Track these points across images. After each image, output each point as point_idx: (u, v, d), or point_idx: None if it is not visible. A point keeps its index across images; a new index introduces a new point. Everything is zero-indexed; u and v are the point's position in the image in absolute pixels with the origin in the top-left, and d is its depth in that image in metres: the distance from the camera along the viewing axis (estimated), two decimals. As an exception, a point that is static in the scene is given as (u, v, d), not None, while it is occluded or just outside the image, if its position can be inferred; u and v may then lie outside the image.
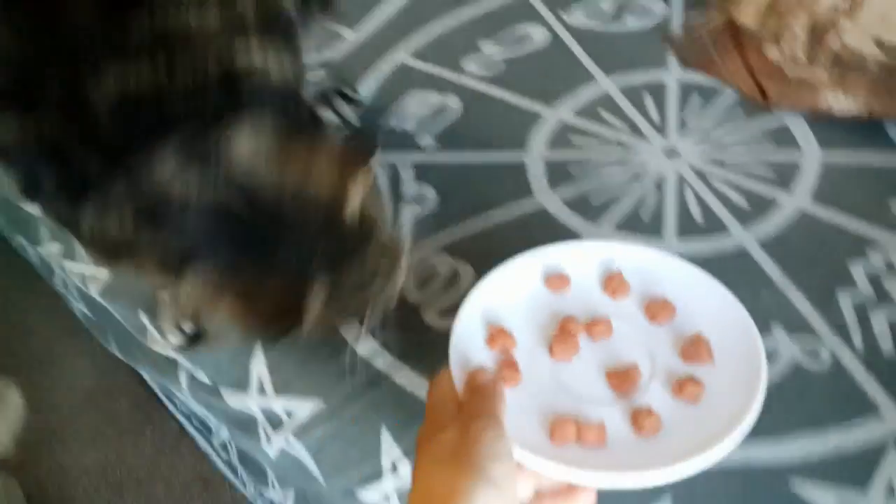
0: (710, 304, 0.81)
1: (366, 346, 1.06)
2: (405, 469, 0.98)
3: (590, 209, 1.15)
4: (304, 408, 1.05)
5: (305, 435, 1.04)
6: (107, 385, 1.82)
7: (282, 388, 1.07)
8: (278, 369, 1.08)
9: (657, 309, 0.83)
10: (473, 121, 1.28)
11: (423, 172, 1.20)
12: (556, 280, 0.87)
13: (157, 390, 1.59)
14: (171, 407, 1.59)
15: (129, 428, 1.78)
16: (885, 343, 1.02)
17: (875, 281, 1.08)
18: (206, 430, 1.41)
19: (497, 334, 0.82)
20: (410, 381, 1.05)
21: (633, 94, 1.29)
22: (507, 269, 0.86)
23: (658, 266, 0.87)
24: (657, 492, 0.90)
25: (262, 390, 1.08)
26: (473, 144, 1.24)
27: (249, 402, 1.09)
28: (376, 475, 0.99)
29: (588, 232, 1.11)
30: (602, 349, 0.81)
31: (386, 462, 0.99)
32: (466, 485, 0.61)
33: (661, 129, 1.24)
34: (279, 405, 1.06)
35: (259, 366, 1.09)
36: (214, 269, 0.71)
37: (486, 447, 0.65)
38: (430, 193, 1.19)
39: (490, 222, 1.15)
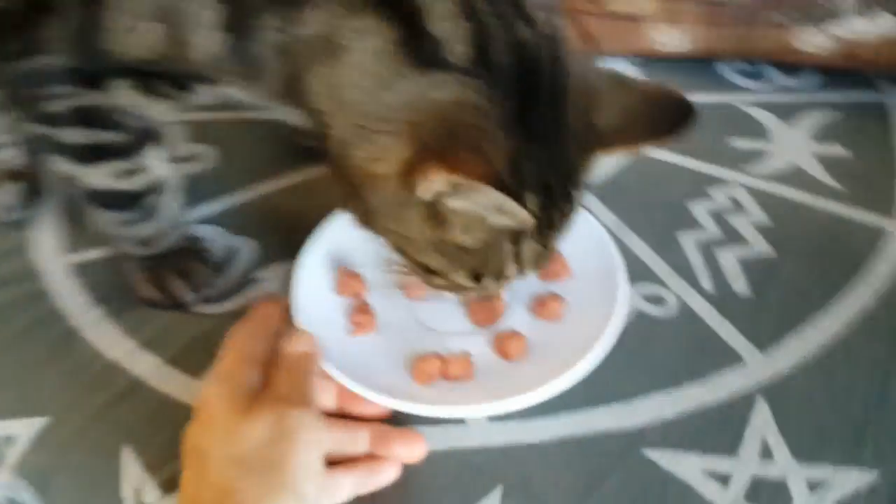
0: None
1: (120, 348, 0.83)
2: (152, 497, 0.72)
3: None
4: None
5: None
6: None
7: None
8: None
9: None
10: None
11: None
12: None
13: None
14: None
15: None
16: (736, 283, 0.88)
17: (720, 219, 0.95)
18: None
19: (347, 279, 0.81)
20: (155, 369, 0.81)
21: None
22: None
23: None
24: (488, 485, 0.71)
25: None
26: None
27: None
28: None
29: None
30: None
31: (126, 491, 0.73)
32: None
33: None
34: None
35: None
36: None
37: (300, 459, 0.63)
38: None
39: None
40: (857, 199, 0.97)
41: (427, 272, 0.69)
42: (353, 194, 0.68)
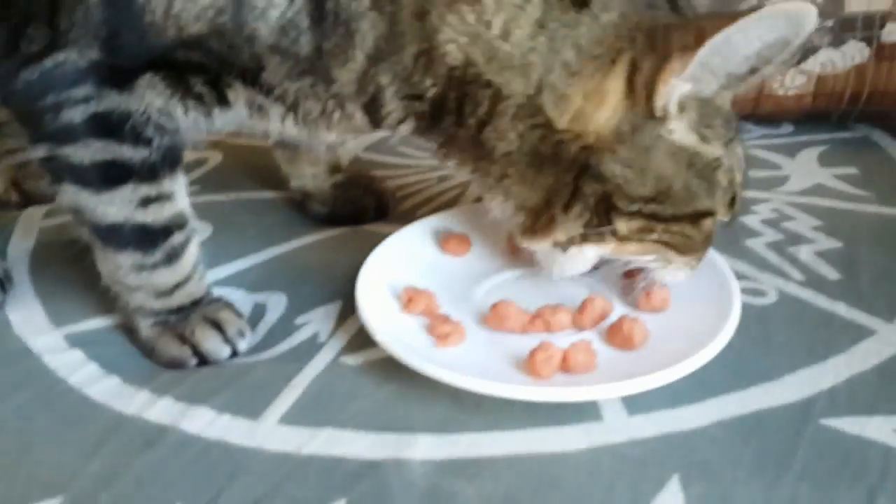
0: None
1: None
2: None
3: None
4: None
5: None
6: None
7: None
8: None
9: None
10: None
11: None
12: (454, 243, 0.81)
13: None
14: None
15: None
16: (823, 270, 0.83)
17: (776, 226, 0.92)
18: None
19: (414, 295, 0.72)
20: (208, 424, 0.64)
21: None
22: (400, 236, 0.81)
23: None
24: (661, 475, 0.58)
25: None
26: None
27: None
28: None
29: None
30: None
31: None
32: None
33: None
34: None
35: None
36: None
37: None
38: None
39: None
40: (886, 200, 0.96)
41: (699, 219, 0.64)
42: (549, 182, 0.63)
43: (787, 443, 0.60)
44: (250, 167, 1.07)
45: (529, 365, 0.64)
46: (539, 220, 0.65)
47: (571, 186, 0.62)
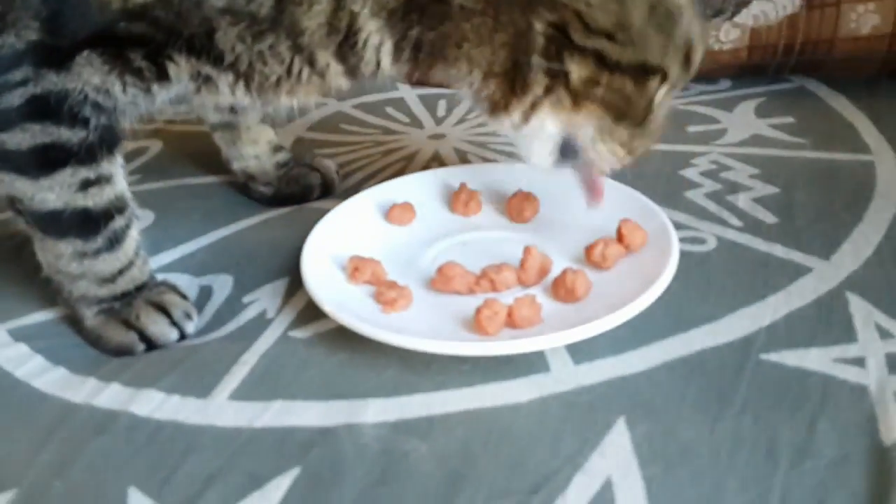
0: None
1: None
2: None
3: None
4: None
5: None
6: None
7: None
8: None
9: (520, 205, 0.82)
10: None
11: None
12: (398, 212, 0.82)
13: None
14: None
15: None
16: (760, 215, 0.84)
17: (715, 176, 0.93)
18: None
19: (360, 264, 0.73)
20: (158, 406, 0.64)
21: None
22: (343, 208, 0.81)
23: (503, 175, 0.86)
24: (608, 418, 0.58)
25: None
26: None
27: None
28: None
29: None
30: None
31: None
32: None
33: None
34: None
35: None
36: None
37: None
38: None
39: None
40: (821, 146, 0.98)
41: (644, 76, 0.63)
42: (516, 24, 0.62)
43: (729, 379, 0.62)
44: (191, 154, 1.06)
45: (476, 323, 0.64)
46: (501, 86, 0.65)
47: (524, 25, 0.62)
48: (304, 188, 0.95)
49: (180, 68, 0.65)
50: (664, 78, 0.65)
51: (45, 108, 0.64)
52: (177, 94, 0.69)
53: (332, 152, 1.06)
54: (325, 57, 0.65)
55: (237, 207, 0.94)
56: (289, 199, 0.94)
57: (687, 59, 0.65)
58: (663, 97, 0.66)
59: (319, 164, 0.98)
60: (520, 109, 0.66)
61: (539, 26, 0.62)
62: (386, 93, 1.23)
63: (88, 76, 0.64)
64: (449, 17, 0.63)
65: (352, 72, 0.67)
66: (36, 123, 0.64)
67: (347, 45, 0.65)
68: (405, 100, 1.23)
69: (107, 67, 0.64)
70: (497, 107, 0.67)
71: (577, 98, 0.64)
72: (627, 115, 0.66)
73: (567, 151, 0.69)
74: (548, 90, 0.64)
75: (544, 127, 0.67)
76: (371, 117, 1.17)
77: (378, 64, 0.67)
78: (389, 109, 1.20)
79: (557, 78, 0.63)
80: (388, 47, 0.66)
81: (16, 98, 0.63)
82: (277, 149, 0.95)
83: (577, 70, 0.63)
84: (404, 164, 1.02)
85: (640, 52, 0.62)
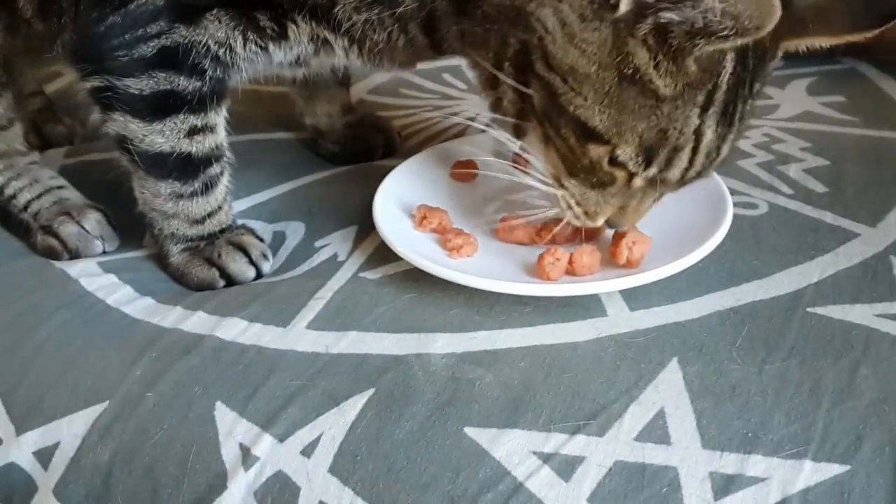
0: None
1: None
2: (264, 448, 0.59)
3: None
4: (76, 425, 0.64)
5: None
6: None
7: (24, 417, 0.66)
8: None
9: None
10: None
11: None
12: (462, 170, 0.85)
13: None
14: None
15: None
16: (811, 184, 0.87)
17: (767, 148, 0.96)
18: None
19: (428, 212, 0.76)
20: (241, 332, 0.70)
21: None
22: (411, 163, 0.85)
23: None
24: (662, 358, 0.63)
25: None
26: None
27: None
28: (220, 480, 0.59)
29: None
30: None
31: (228, 451, 0.60)
32: None
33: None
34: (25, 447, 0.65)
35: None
36: None
37: None
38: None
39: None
40: (871, 124, 1.01)
41: (585, 138, 0.61)
42: (503, 35, 0.63)
43: (778, 328, 0.65)
44: (260, 113, 1.11)
45: (538, 269, 0.68)
46: (495, 91, 0.67)
47: (504, 37, 0.63)
48: (369, 148, 0.99)
49: (300, 30, 0.71)
50: (613, 153, 0.62)
51: (171, 59, 0.70)
52: (298, 55, 0.74)
53: (392, 115, 1.10)
54: (415, 29, 0.70)
55: (306, 163, 0.98)
56: (353, 157, 0.98)
57: (659, 145, 0.61)
58: (637, 185, 0.64)
59: (384, 125, 1.03)
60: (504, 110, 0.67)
61: (513, 41, 0.63)
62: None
63: (214, 30, 0.69)
64: (473, 20, 0.66)
65: (436, 46, 0.71)
66: (161, 72, 0.70)
67: (431, 22, 0.69)
68: (461, 67, 1.27)
69: (232, 24, 0.69)
70: (493, 105, 0.69)
71: (539, 121, 0.64)
72: (570, 168, 0.65)
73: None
74: (518, 105, 0.65)
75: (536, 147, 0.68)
76: (429, 83, 1.21)
77: (453, 42, 0.70)
78: (447, 76, 1.23)
79: (526, 97, 0.64)
80: (454, 32, 0.69)
81: (148, 49, 0.69)
82: (349, 110, 0.99)
83: (536, 95, 0.63)
84: (464, 129, 1.06)
85: (585, 108, 0.60)
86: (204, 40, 0.69)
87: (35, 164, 0.89)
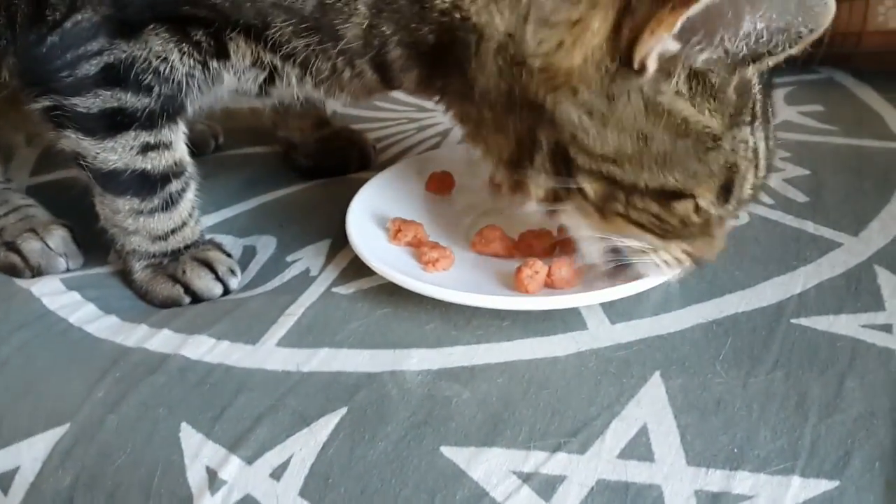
0: None
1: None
2: (231, 471, 0.57)
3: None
4: (36, 448, 0.61)
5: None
6: None
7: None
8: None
9: None
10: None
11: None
12: (437, 182, 0.83)
13: None
14: None
15: None
16: (790, 193, 0.86)
17: None
18: None
19: (403, 225, 0.75)
20: (208, 350, 0.67)
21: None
22: (385, 175, 0.84)
23: None
24: (644, 372, 0.61)
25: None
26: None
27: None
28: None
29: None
30: None
31: (195, 474, 0.57)
32: None
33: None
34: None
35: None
36: None
37: None
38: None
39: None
40: (850, 133, 1.00)
41: (668, 199, 0.60)
42: (529, 129, 0.61)
43: (762, 340, 0.64)
44: (230, 128, 1.09)
45: (516, 282, 0.66)
46: (514, 174, 0.66)
47: (529, 131, 0.62)
48: (343, 162, 0.97)
49: (240, 49, 0.69)
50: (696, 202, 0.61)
51: (115, 76, 0.68)
52: (256, 81, 0.71)
53: (366, 127, 1.08)
54: (363, 64, 0.68)
55: (277, 177, 0.96)
56: (327, 171, 0.96)
57: (728, 176, 0.61)
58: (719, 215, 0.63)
59: (357, 138, 1.01)
60: (536, 196, 0.65)
61: (544, 140, 0.61)
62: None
63: (152, 43, 0.67)
64: (472, 100, 0.64)
65: (388, 82, 0.70)
66: (107, 90, 0.68)
67: (380, 60, 0.67)
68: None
69: (169, 37, 0.67)
70: (512, 188, 0.67)
71: (603, 212, 0.63)
72: (664, 234, 0.63)
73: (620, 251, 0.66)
74: (557, 198, 0.64)
75: (580, 228, 0.66)
76: (403, 95, 1.19)
77: (409, 84, 0.69)
78: (424, 89, 1.22)
79: (573, 191, 0.62)
80: (413, 75, 0.68)
81: (91, 67, 0.67)
82: (323, 123, 0.97)
83: (590, 187, 0.61)
84: (439, 140, 1.04)
85: (653, 176, 0.59)
86: (145, 55, 0.67)
87: (8, 189, 0.88)
